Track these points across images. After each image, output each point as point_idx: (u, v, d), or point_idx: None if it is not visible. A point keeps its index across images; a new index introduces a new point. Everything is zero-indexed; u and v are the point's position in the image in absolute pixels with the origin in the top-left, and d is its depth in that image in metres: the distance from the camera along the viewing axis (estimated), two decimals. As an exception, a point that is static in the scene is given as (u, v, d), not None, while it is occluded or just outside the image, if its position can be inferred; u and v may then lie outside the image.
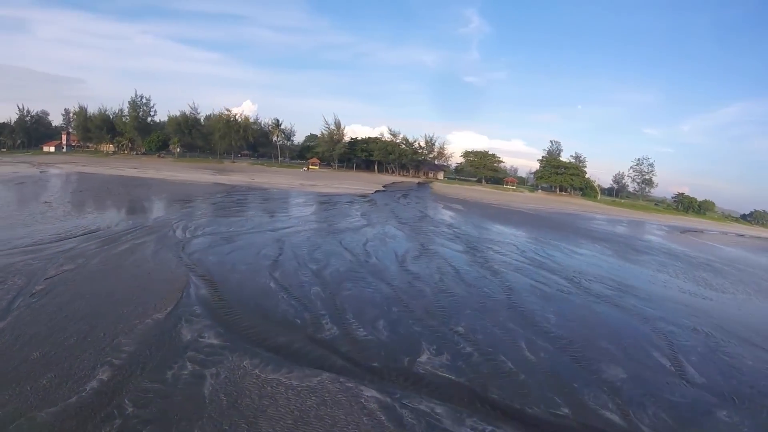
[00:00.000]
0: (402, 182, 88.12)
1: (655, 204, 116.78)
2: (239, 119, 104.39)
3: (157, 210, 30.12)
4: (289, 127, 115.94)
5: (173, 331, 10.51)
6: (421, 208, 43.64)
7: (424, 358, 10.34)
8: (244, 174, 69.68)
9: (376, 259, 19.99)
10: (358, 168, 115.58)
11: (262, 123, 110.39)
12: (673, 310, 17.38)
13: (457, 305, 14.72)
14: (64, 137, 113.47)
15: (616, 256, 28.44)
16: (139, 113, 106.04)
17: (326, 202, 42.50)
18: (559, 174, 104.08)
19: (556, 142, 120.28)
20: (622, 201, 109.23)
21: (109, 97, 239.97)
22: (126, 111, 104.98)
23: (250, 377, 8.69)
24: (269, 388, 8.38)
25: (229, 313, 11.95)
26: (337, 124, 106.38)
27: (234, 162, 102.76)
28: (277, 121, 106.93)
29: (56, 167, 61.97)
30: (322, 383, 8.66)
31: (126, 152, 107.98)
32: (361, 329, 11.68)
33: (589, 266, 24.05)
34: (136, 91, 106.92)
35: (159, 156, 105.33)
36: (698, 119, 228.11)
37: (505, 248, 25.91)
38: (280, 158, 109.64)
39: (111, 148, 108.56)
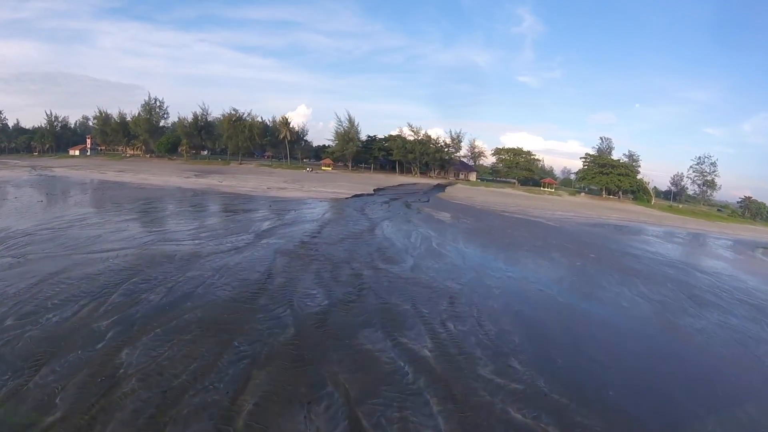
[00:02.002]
0: (415, 184, 76.62)
1: (718, 210, 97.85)
2: (245, 118, 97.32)
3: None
4: (301, 124, 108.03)
5: None
6: (387, 217, 32.29)
7: None
8: (226, 176, 61.60)
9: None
10: (379, 169, 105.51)
11: (275, 121, 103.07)
12: None
13: None
14: (88, 141, 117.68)
15: (661, 319, 15.83)
16: (151, 116, 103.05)
17: (248, 209, 32.51)
18: (605, 174, 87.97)
19: (607, 139, 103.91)
20: (680, 206, 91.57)
21: (167, 102, 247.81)
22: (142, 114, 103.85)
23: None
24: None
25: None
26: (351, 121, 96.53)
27: (241, 163, 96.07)
28: (286, 119, 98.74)
29: (54, 170, 61.16)
30: None
31: (141, 155, 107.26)
32: None
33: (600, 360, 11.89)
34: (149, 94, 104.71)
35: (169, 159, 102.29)
36: (760, 118, 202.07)
37: (428, 306, 14.19)
38: (289, 159, 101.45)
39: (130, 151, 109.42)
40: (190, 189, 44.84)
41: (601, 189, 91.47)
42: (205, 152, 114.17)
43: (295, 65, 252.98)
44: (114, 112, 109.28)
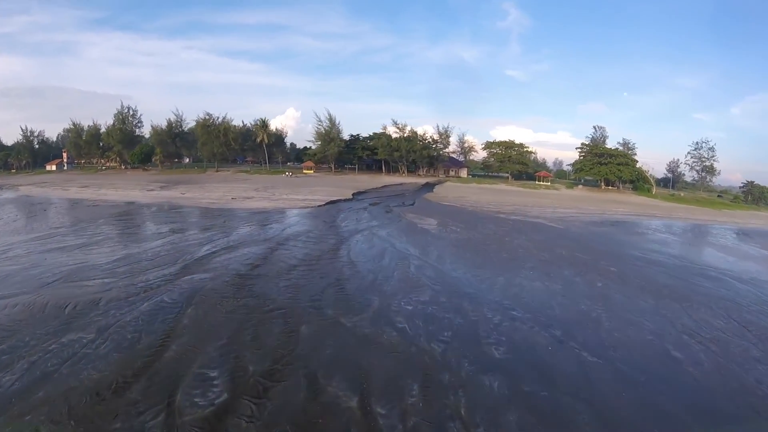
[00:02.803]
0: (401, 184, 71.43)
1: (718, 195, 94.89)
2: (219, 122, 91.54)
3: None
4: (280, 127, 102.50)
5: None
6: (359, 229, 27.08)
7: None
8: (194, 187, 56.01)
9: None
10: (364, 170, 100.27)
11: (250, 125, 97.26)
12: None
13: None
14: (65, 155, 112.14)
15: (728, 378, 10.72)
16: (124, 125, 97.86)
17: (196, 227, 27.17)
18: (604, 164, 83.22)
19: (600, 128, 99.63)
20: (682, 195, 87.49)
21: (156, 111, 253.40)
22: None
23: None
24: None
25: None
26: (332, 120, 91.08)
27: (218, 171, 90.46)
28: (263, 120, 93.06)
29: (20, 189, 57.22)
30: None
31: (117, 166, 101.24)
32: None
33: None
34: (122, 103, 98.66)
35: (144, 169, 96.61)
36: (748, 101, 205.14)
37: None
38: (268, 163, 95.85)
39: (108, 163, 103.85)
40: (147, 204, 39.62)
41: (598, 180, 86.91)
42: (187, 160, 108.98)
43: (283, 68, 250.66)
44: (100, 123, 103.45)
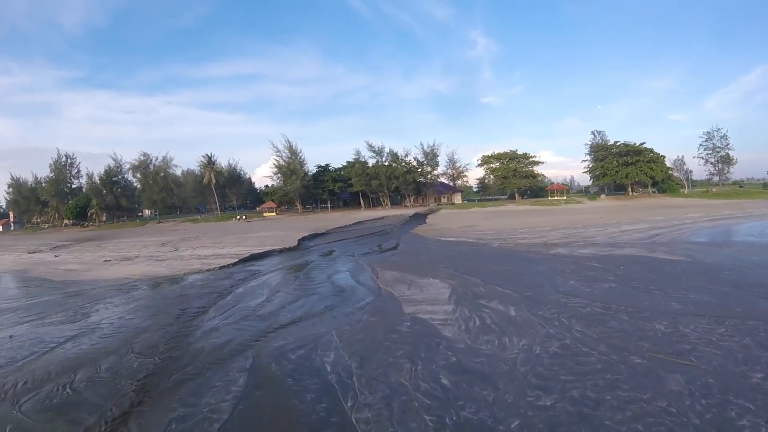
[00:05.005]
0: (382, 218, 53.94)
1: (740, 186, 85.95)
2: (156, 165, 74.47)
3: None
4: (231, 164, 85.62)
5: None
6: (247, 328, 9.50)
7: None
8: (89, 246, 38.16)
9: None
10: (342, 207, 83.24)
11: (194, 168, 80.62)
12: None
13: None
14: (11, 215, 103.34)
15: None
16: (59, 177, 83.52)
17: None
18: (630, 164, 67.24)
19: (600, 132, 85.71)
20: (714, 191, 73.62)
21: None
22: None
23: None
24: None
25: None
26: (293, 149, 74.46)
27: (159, 222, 72.71)
28: (209, 157, 75.81)
29: None
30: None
31: (59, 224, 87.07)
32: None
33: None
34: (58, 151, 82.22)
35: (81, 226, 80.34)
36: (720, 93, 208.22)
37: None
38: (218, 208, 78.12)
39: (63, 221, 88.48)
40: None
41: (621, 185, 71.09)
42: (147, 213, 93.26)
43: (262, 117, 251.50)
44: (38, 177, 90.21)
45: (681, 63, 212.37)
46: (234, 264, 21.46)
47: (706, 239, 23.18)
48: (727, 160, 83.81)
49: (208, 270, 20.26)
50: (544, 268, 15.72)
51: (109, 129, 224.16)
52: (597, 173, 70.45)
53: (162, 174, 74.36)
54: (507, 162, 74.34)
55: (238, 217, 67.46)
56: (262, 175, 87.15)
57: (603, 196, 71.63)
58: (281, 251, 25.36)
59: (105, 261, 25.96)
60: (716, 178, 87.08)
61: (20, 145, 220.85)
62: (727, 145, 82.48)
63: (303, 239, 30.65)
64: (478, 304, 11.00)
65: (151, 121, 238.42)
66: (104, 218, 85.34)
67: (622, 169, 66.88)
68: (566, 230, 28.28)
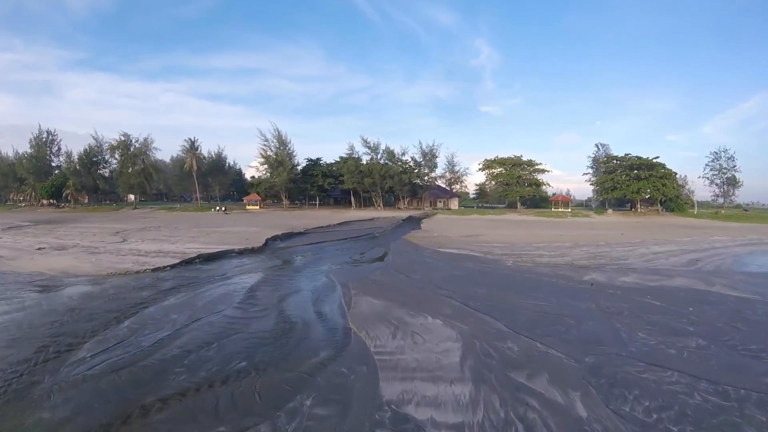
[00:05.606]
0: (372, 219, 49.06)
1: (744, 210, 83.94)
2: (134, 147, 68.90)
3: None
4: (216, 150, 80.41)
5: None
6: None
7: None
8: (46, 228, 32.82)
9: None
10: (332, 204, 78.23)
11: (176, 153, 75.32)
12: None
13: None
14: None
15: None
16: (38, 154, 77.42)
17: None
18: (642, 179, 62.93)
19: (604, 146, 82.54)
20: (723, 212, 70.18)
21: None
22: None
23: None
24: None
25: None
26: (281, 139, 69.34)
27: (135, 208, 67.24)
28: (192, 141, 70.41)
29: None
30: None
31: (35, 203, 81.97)
32: None
33: None
34: (39, 126, 76.27)
35: (57, 207, 75.13)
36: (719, 118, 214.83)
37: None
38: (198, 197, 72.79)
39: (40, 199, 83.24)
40: None
41: (625, 200, 67.02)
42: (131, 198, 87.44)
43: (263, 111, 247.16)
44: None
45: (682, 85, 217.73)
46: (172, 266, 16.58)
47: (759, 268, 18.96)
48: (733, 182, 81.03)
49: (137, 272, 15.50)
50: (590, 306, 10.99)
51: (109, 113, 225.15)
52: (607, 186, 65.89)
53: (141, 157, 68.78)
54: (510, 168, 69.61)
55: (218, 208, 62.17)
56: (248, 165, 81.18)
57: (610, 210, 67.18)
58: (240, 252, 20.43)
59: (38, 249, 21.04)
60: (721, 200, 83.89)
61: (19, 122, 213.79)
62: (734, 166, 80.00)
63: (273, 239, 25.66)
64: (513, 384, 6.20)
65: (152, 107, 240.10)
66: (86, 200, 79.94)
67: (633, 183, 62.51)
68: (588, 248, 23.62)
